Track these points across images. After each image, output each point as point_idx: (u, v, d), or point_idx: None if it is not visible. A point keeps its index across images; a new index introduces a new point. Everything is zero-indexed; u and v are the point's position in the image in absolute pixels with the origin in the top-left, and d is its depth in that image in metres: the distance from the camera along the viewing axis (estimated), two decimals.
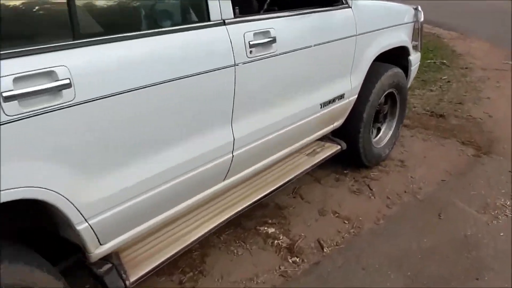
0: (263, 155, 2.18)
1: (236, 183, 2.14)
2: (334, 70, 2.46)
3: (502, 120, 4.05)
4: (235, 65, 1.76)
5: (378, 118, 3.12)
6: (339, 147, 2.78)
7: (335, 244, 2.36)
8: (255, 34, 1.84)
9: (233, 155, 1.92)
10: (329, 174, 3.05)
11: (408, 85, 3.38)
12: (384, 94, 2.98)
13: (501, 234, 2.42)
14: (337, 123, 2.73)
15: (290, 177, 2.43)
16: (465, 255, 2.25)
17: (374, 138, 3.16)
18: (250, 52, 1.82)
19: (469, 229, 2.46)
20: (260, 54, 1.87)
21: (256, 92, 1.95)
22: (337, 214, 2.61)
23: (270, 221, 2.53)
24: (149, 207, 1.67)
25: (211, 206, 2.14)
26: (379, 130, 3.23)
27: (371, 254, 2.27)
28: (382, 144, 3.18)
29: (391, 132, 3.26)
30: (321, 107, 2.41)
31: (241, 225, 2.48)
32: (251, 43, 1.81)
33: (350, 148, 2.89)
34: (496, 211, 2.63)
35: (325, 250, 2.31)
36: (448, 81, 5.24)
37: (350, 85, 2.61)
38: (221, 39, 1.72)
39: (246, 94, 1.88)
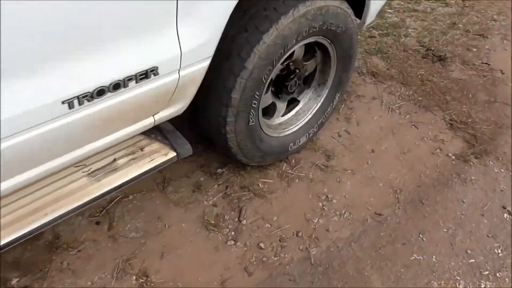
0: None
1: None
2: (105, 23, 1.02)
3: None
4: None
5: (289, 87, 1.71)
6: (173, 154, 1.44)
7: None
8: None
9: None
10: (191, 174, 1.78)
11: (366, 23, 1.85)
12: (293, 50, 1.54)
13: None
14: (167, 113, 1.37)
15: (32, 227, 1.19)
16: None
17: (279, 118, 1.79)
18: None
19: None
20: None
21: None
22: None
23: None
24: None
25: None
26: (293, 103, 1.83)
27: None
28: (295, 128, 1.81)
29: (318, 105, 1.86)
30: (70, 107, 1.05)
31: None
32: None
33: (213, 145, 1.58)
34: None
35: None
36: None
37: (179, 46, 1.17)
38: None
39: None
